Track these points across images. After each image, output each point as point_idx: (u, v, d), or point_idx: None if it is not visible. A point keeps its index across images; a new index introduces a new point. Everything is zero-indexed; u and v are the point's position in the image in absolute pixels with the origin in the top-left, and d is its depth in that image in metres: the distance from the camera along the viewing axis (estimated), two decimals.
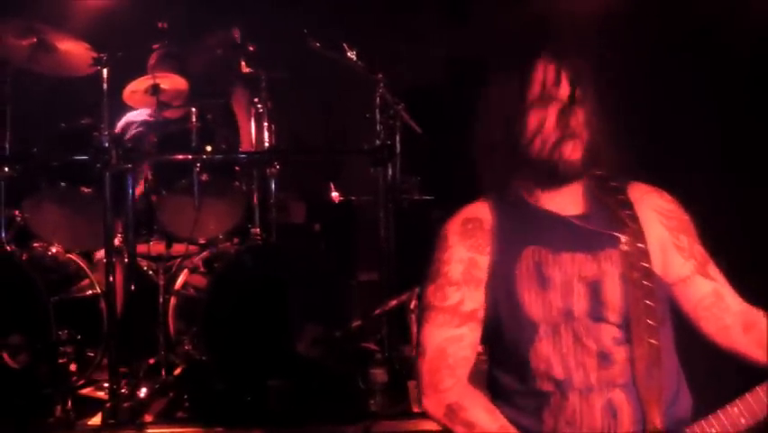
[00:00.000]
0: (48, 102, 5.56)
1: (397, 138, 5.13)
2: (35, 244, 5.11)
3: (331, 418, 4.46)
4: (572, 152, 2.27)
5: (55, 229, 5.09)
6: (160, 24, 5.24)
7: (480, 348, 2.36)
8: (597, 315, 2.27)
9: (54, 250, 5.07)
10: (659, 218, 2.39)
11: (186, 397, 4.70)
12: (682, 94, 4.52)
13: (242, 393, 4.65)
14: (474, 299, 2.33)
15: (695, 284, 2.38)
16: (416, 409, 4.50)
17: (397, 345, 4.92)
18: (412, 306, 4.44)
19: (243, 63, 5.35)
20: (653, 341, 2.26)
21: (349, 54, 5.30)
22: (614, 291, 2.28)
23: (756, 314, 2.36)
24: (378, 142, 5.12)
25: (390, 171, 5.06)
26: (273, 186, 5.19)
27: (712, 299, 2.37)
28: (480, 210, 2.40)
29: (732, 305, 2.38)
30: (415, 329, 4.53)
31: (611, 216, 2.36)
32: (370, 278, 5.76)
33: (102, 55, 4.70)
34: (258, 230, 5.12)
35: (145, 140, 5.31)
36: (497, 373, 2.40)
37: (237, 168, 5.29)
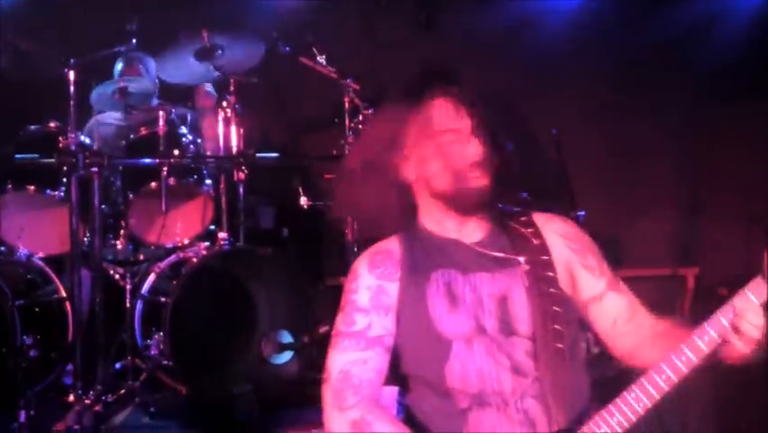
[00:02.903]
0: (14, 104, 5.51)
1: None
2: (0, 248, 5.07)
3: (297, 424, 4.45)
4: (479, 180, 2.34)
5: (21, 233, 5.05)
6: (128, 27, 5.19)
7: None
8: (508, 329, 2.31)
9: (20, 253, 5.02)
10: (563, 241, 2.44)
11: (151, 402, 4.68)
12: None
13: (209, 399, 4.63)
14: (381, 326, 2.36)
15: (610, 300, 2.40)
16: None
17: None
18: None
19: (213, 67, 5.33)
20: (559, 345, 2.28)
21: (318, 58, 5.30)
22: (521, 305, 2.32)
23: (663, 324, 2.37)
24: (347, 146, 5.12)
25: None
26: (241, 190, 5.19)
27: (630, 312, 2.40)
28: (389, 244, 2.47)
29: (645, 317, 2.39)
30: None
31: (515, 236, 2.41)
32: (338, 283, 5.75)
33: (69, 57, 4.67)
34: (226, 234, 5.10)
35: (113, 143, 5.29)
36: (412, 400, 2.41)
37: (205, 172, 5.27)
